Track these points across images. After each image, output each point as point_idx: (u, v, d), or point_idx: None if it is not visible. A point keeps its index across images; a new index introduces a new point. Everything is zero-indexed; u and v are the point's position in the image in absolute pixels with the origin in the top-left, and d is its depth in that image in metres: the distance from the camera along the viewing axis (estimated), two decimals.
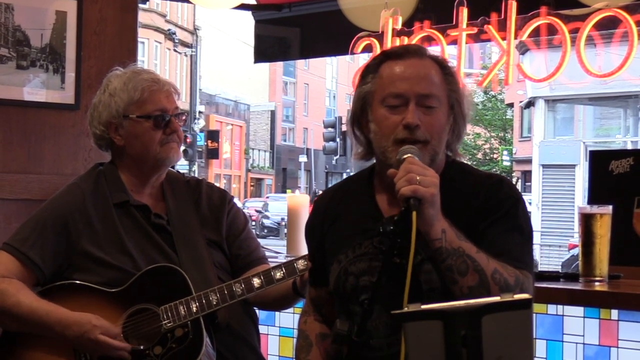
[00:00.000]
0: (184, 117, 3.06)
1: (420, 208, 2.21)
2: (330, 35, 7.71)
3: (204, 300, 2.84)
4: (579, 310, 3.07)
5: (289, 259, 3.05)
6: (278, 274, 2.89)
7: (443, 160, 2.49)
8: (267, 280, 2.89)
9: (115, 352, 2.79)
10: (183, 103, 37.72)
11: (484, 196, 2.40)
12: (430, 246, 2.27)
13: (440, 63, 2.47)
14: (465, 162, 2.62)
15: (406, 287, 2.18)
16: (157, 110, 2.98)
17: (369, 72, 2.49)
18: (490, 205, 2.38)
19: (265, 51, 7.99)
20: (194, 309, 2.84)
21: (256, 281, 2.89)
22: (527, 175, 32.03)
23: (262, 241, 3.36)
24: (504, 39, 7.40)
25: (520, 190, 2.51)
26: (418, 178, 2.22)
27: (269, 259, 3.25)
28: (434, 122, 2.40)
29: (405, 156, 2.30)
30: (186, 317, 2.83)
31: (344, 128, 29.03)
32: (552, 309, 3.13)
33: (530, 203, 23.83)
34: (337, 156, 31.38)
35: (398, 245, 2.21)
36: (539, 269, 3.38)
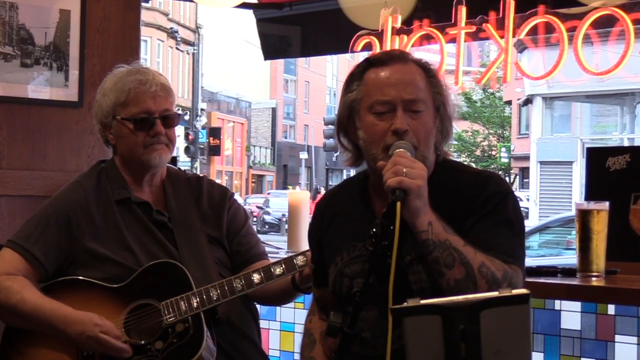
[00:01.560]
0: (173, 118, 3.00)
1: (406, 199, 2.22)
2: (331, 33, 7.72)
3: (205, 295, 2.84)
4: (576, 305, 3.07)
5: (290, 254, 3.04)
6: (277, 270, 2.89)
7: (433, 161, 2.49)
8: (266, 276, 2.88)
9: (115, 352, 2.79)
10: (185, 100, 37.73)
11: (472, 193, 2.40)
12: (417, 238, 2.28)
13: (423, 66, 2.47)
14: (456, 159, 2.62)
15: (391, 277, 2.18)
16: (142, 113, 2.95)
17: (353, 79, 2.49)
18: (479, 201, 2.39)
19: (266, 49, 7.99)
20: (195, 304, 2.83)
21: (256, 277, 2.88)
22: (525, 172, 32.05)
23: (263, 237, 3.36)
24: (502, 37, 7.41)
25: (510, 185, 2.51)
26: (405, 170, 2.23)
27: (270, 255, 3.25)
28: (421, 126, 2.40)
29: (396, 150, 2.31)
30: (187, 312, 2.83)
31: None
32: (549, 303, 3.13)
33: (528, 199, 23.83)
34: (338, 153, 31.38)
35: (387, 245, 2.21)
36: (537, 264, 3.37)
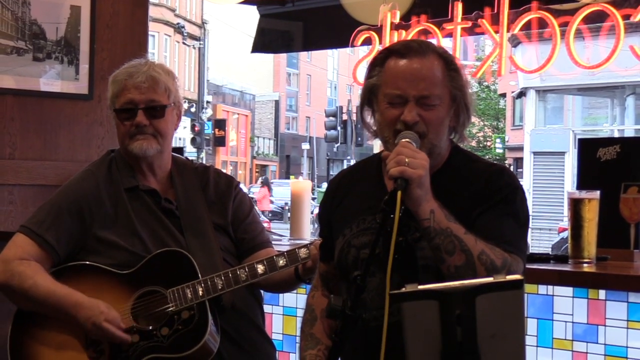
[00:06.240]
0: (159, 110, 2.94)
1: (407, 188, 2.22)
2: (332, 28, 7.73)
3: (210, 284, 2.83)
4: (568, 290, 3.07)
5: (292, 242, 3.04)
6: (281, 262, 2.88)
7: (447, 148, 2.49)
8: (270, 267, 2.87)
9: (115, 341, 2.80)
10: (191, 93, 37.68)
11: (483, 183, 2.40)
12: (419, 225, 2.28)
13: (446, 58, 2.43)
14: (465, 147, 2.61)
15: (389, 262, 2.18)
16: (126, 103, 2.93)
17: (375, 65, 2.48)
18: (489, 192, 2.38)
19: (269, 43, 8.00)
20: (200, 292, 2.82)
21: (260, 268, 2.87)
22: (518, 162, 31.99)
23: (265, 224, 3.34)
24: (497, 32, 7.42)
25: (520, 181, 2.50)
26: (407, 160, 2.23)
27: (274, 242, 3.24)
28: (433, 117, 2.39)
29: (401, 140, 2.31)
30: (192, 300, 2.82)
31: (344, 117, 28.99)
32: (542, 289, 3.13)
33: None
34: (338, 144, 31.28)
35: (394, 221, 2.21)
36: (530, 251, 3.36)
